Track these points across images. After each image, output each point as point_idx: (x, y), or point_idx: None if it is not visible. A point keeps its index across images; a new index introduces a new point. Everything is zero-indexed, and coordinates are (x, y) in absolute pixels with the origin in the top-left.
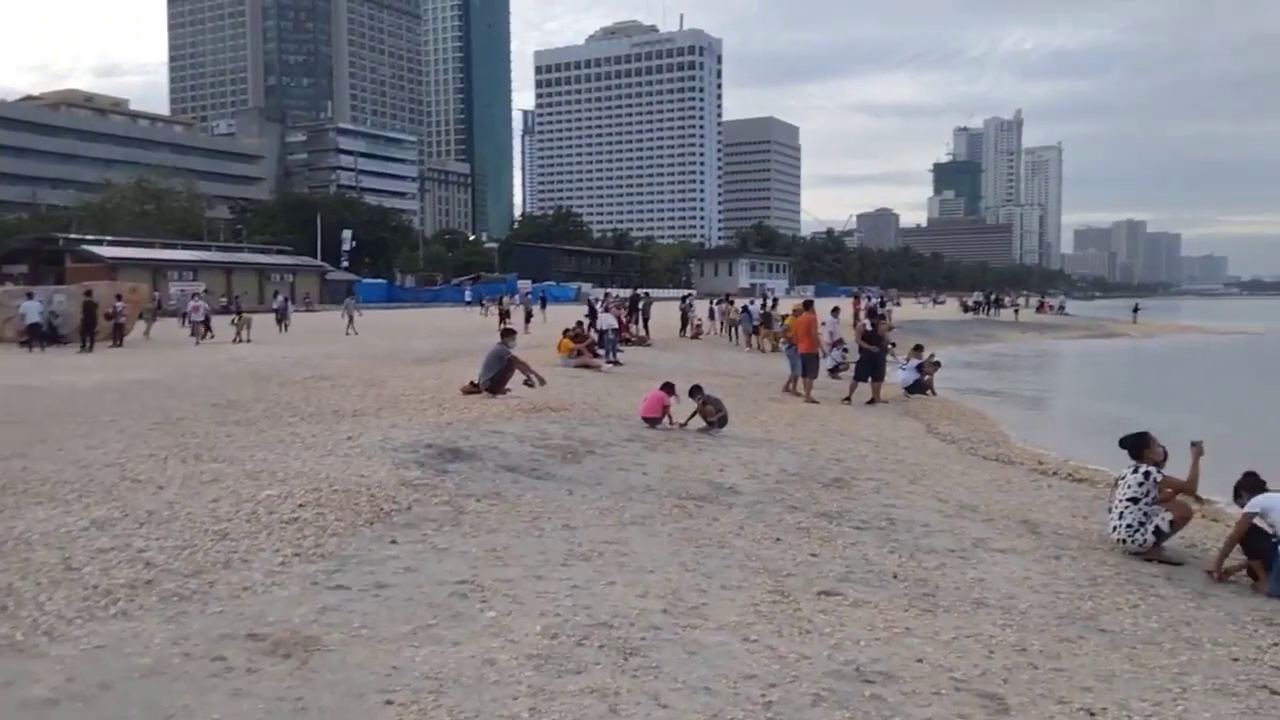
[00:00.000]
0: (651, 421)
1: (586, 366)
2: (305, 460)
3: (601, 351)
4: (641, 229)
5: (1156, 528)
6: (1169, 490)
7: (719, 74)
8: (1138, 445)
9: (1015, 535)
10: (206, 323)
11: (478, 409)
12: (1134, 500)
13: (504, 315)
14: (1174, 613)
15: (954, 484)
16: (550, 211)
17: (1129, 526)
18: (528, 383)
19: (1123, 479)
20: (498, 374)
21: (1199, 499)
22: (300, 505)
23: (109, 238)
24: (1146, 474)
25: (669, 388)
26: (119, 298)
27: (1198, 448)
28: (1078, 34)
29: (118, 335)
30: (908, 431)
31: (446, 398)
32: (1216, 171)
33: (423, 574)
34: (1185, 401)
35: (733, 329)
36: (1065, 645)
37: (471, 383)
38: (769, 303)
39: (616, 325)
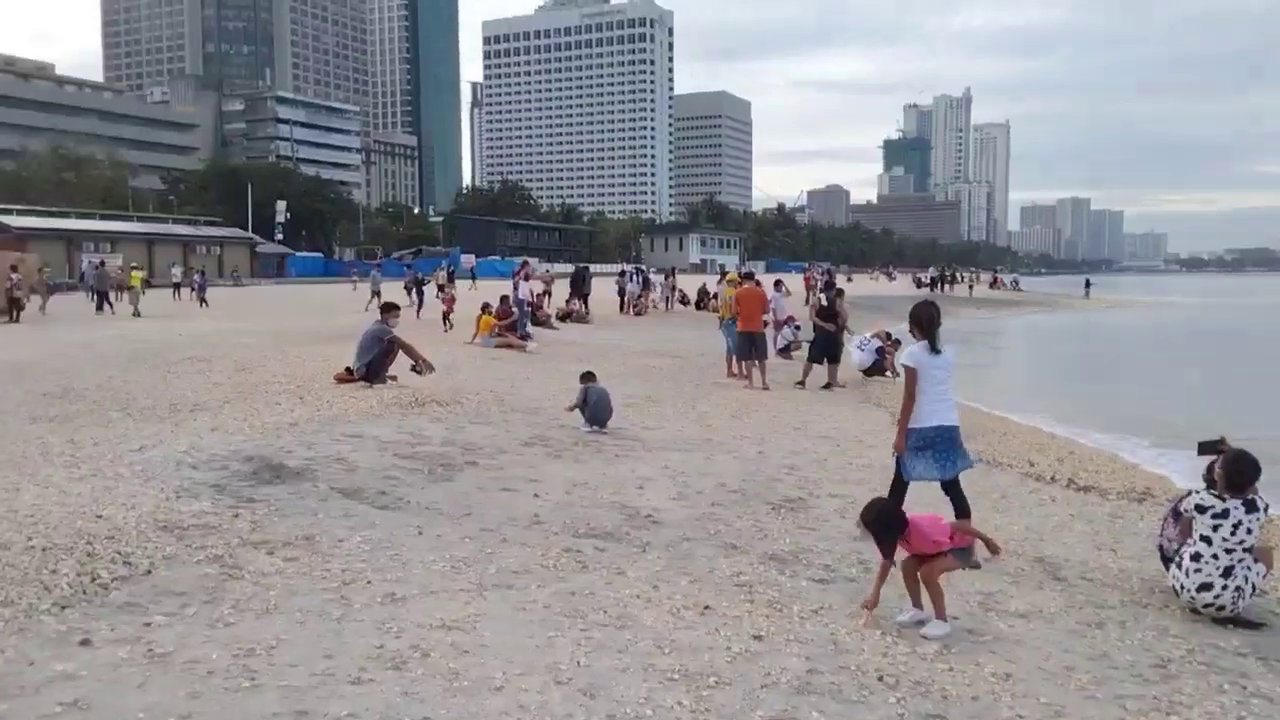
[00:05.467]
0: None
1: (509, 346)
2: (48, 486)
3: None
4: (592, 203)
5: (1254, 585)
6: None
7: (670, 47)
8: (1249, 476)
9: (1034, 584)
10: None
11: (343, 403)
12: (1250, 550)
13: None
14: None
15: (938, 498)
16: (497, 184)
17: (1238, 589)
18: (415, 369)
19: (1216, 514)
20: (376, 358)
21: None
22: None
23: (19, 207)
24: (1266, 508)
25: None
26: (14, 269)
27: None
28: (1026, 12)
29: (13, 310)
30: (871, 424)
31: (315, 387)
32: (1159, 151)
33: (98, 712)
34: (1167, 384)
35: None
36: None
37: (347, 369)
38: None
39: (527, 299)
